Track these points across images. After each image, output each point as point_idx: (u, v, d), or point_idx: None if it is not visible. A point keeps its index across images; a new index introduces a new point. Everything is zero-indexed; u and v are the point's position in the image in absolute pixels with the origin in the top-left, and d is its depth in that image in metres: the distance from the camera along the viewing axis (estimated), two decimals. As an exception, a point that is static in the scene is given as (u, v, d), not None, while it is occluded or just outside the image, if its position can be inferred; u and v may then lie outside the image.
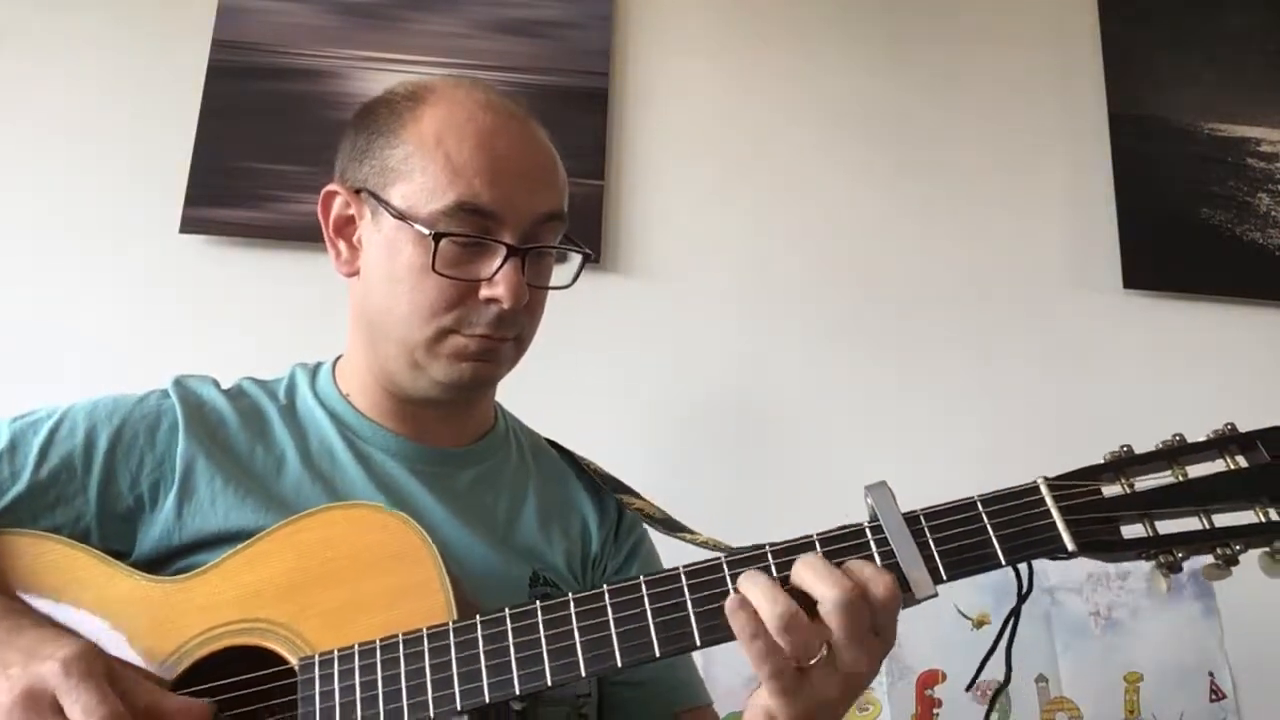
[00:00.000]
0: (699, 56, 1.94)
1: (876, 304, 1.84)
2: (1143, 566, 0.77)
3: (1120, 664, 1.63)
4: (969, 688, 0.94)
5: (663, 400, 1.74)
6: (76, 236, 1.70)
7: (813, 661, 0.67)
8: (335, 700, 0.72)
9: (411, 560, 0.77)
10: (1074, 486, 0.72)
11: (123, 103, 1.77)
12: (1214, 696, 1.64)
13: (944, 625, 1.56)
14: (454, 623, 0.73)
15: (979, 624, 1.61)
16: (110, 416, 0.88)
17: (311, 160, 1.72)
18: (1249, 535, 0.70)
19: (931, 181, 1.92)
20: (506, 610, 0.73)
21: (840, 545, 0.72)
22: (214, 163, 1.73)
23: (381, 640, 0.73)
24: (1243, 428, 0.74)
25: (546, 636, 0.71)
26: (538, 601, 0.73)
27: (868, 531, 0.72)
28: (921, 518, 0.72)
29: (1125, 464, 0.73)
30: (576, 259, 0.95)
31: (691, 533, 0.97)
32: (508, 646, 0.71)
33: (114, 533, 0.85)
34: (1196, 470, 0.72)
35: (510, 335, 0.91)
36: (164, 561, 0.84)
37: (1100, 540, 0.70)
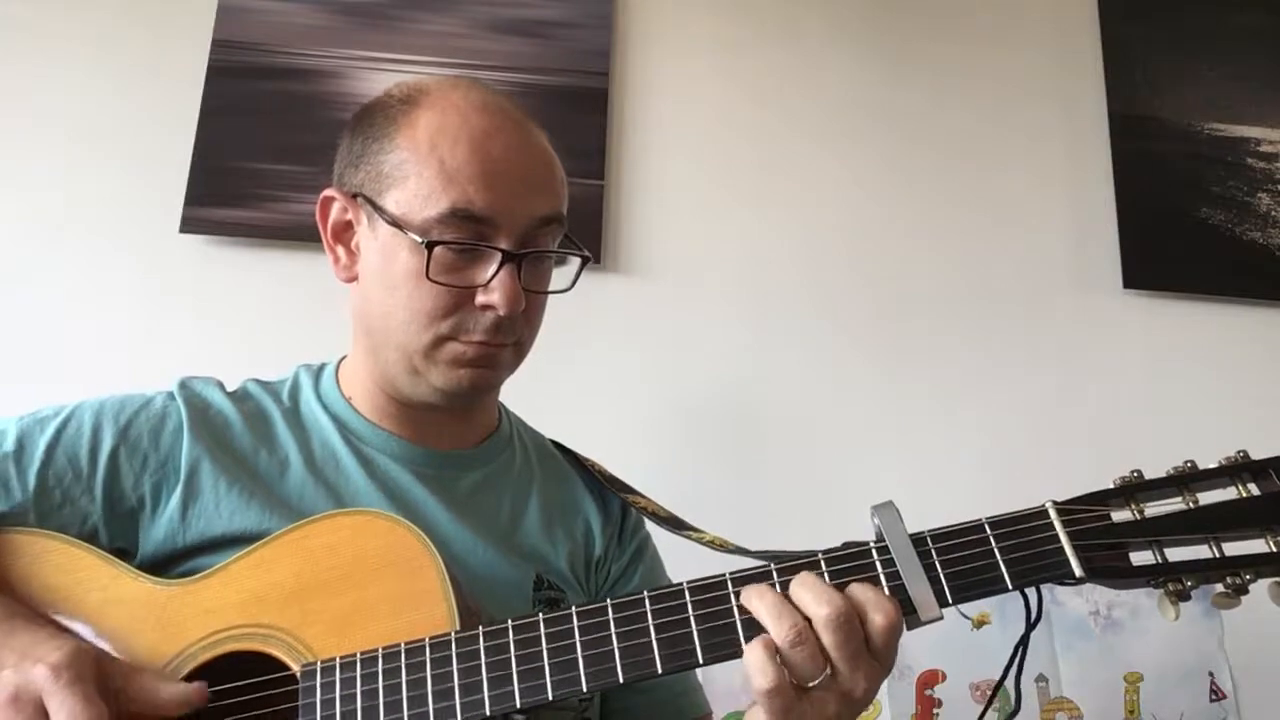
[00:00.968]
0: (699, 56, 1.94)
1: (876, 303, 1.84)
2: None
3: (1120, 664, 1.64)
4: None
5: (663, 400, 1.74)
6: (76, 236, 1.70)
7: (814, 683, 0.67)
8: (336, 708, 0.71)
9: (415, 568, 0.76)
10: (1083, 511, 0.72)
11: (123, 103, 1.77)
12: (1214, 696, 1.64)
13: (944, 625, 1.55)
14: (456, 633, 0.73)
15: (979, 624, 1.62)
16: (117, 416, 0.88)
17: (311, 160, 1.72)
18: (1259, 564, 0.69)
19: (931, 180, 1.92)
20: (509, 622, 0.72)
21: (846, 565, 0.72)
22: (214, 163, 1.72)
23: (384, 649, 0.73)
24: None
25: (549, 650, 0.71)
26: (540, 614, 0.73)
27: (874, 552, 0.72)
28: (928, 539, 0.72)
29: (1135, 489, 0.72)
30: (576, 261, 0.94)
31: (698, 531, 0.97)
32: (509, 659, 0.71)
33: (120, 532, 0.85)
34: (1207, 497, 0.72)
35: (508, 341, 0.90)
36: (168, 563, 0.84)
37: (1109, 566, 0.70)
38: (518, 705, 0.70)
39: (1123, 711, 1.62)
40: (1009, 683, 0.77)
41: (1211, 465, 0.73)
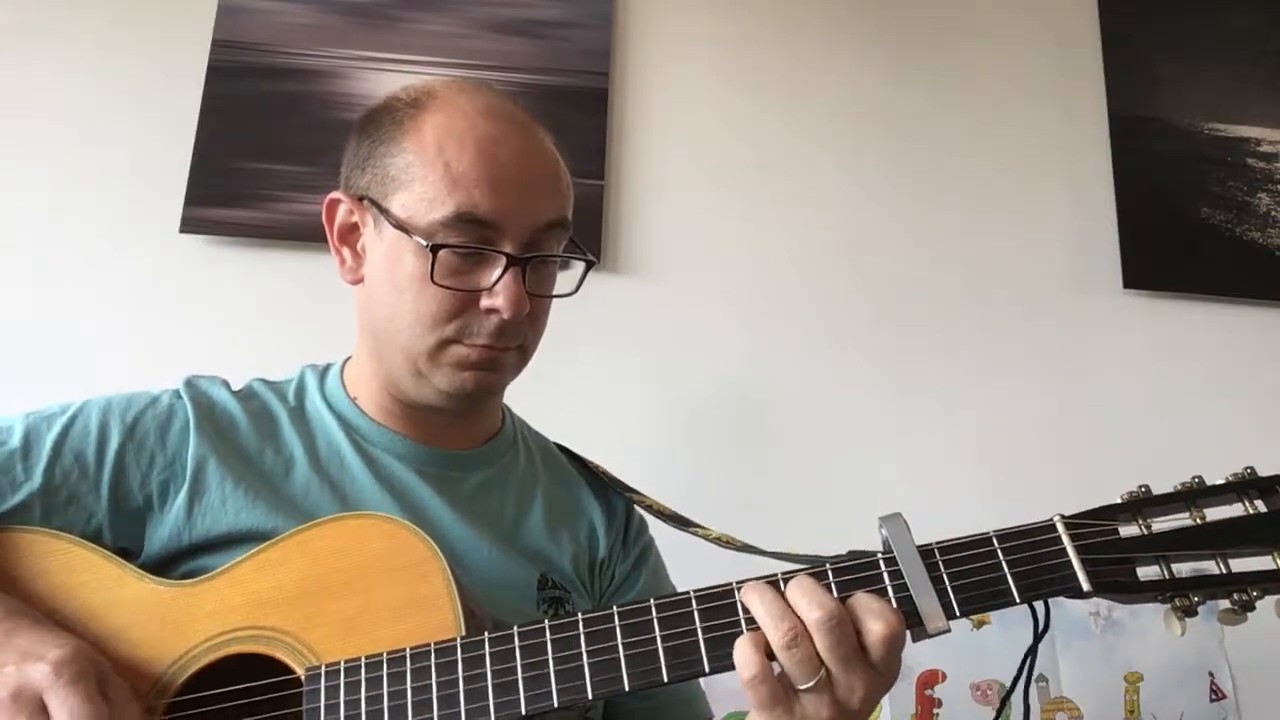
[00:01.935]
0: (699, 56, 1.94)
1: (876, 303, 1.84)
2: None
3: (1120, 664, 1.64)
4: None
5: (662, 400, 1.74)
6: (77, 236, 1.70)
7: (807, 686, 0.67)
8: (340, 712, 0.71)
9: (421, 573, 0.76)
10: (1091, 526, 0.72)
11: (123, 103, 1.77)
12: (1214, 696, 1.64)
13: (944, 625, 1.57)
14: (461, 639, 0.73)
15: (979, 624, 1.62)
16: (123, 414, 0.88)
17: (311, 160, 1.72)
18: (1266, 581, 0.69)
19: (931, 181, 1.92)
20: (515, 629, 0.72)
21: (853, 575, 0.72)
22: (214, 163, 1.72)
23: (388, 653, 0.73)
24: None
25: (554, 658, 0.71)
26: (546, 621, 0.72)
27: (881, 563, 0.72)
28: (936, 551, 0.72)
29: (1142, 505, 0.73)
30: (580, 265, 0.95)
31: (703, 528, 0.97)
32: (515, 666, 0.71)
33: (125, 532, 0.85)
34: (1214, 513, 0.72)
35: (512, 345, 0.90)
36: (173, 562, 0.84)
37: (1116, 581, 0.70)
38: (523, 712, 0.69)
39: (1123, 711, 1.63)
40: (1016, 694, 0.77)
41: (1218, 481, 0.73)
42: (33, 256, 1.68)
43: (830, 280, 1.84)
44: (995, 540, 0.72)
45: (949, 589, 0.70)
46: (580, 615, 0.73)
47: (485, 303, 0.86)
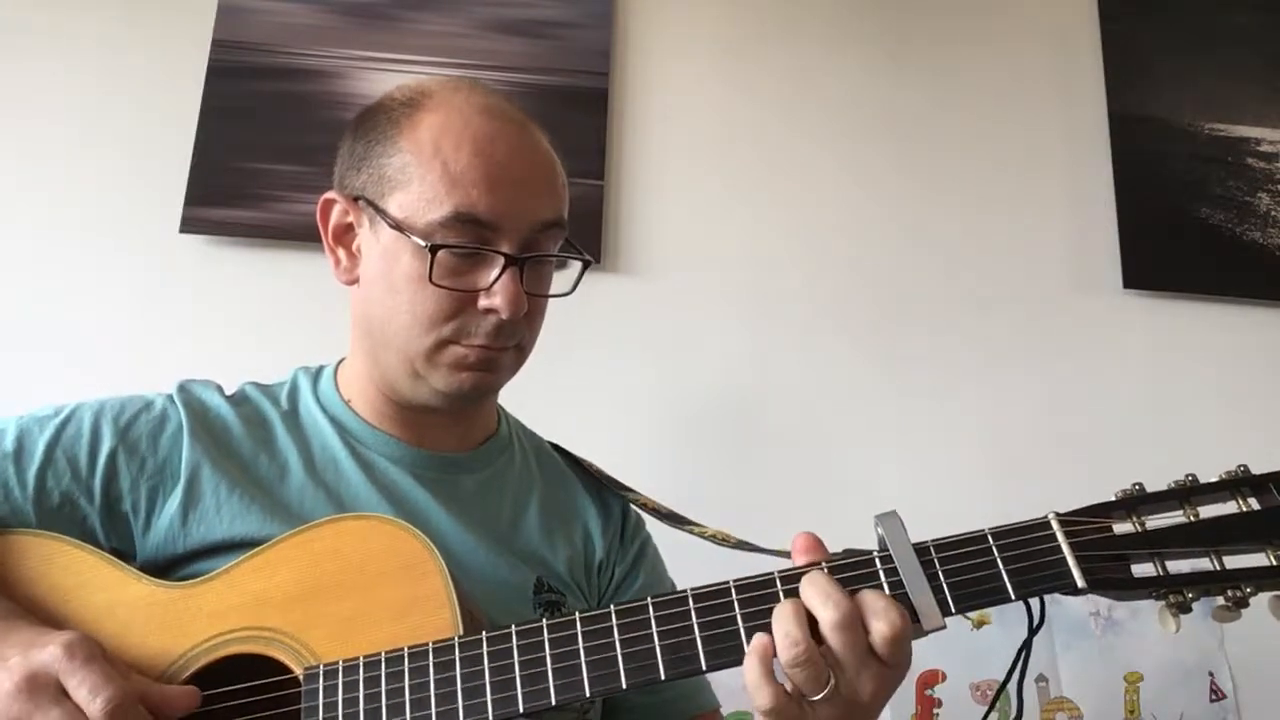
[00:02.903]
0: (699, 56, 1.94)
1: (876, 303, 1.84)
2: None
3: (1120, 664, 1.64)
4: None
5: (662, 400, 1.74)
6: (77, 236, 1.70)
7: (817, 698, 0.67)
8: (339, 712, 0.71)
9: (419, 573, 0.77)
10: (1085, 523, 0.72)
11: (123, 103, 1.77)
12: (1214, 696, 1.64)
13: (944, 626, 1.57)
14: (460, 638, 0.73)
15: (979, 624, 1.62)
16: (116, 418, 0.88)
17: (311, 160, 1.72)
18: (1260, 578, 0.70)
19: (931, 181, 1.92)
20: (513, 628, 0.72)
21: (849, 574, 0.72)
22: (214, 163, 1.72)
23: (387, 653, 0.73)
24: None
25: (552, 656, 0.71)
26: (544, 620, 0.72)
27: (877, 561, 0.72)
28: (931, 549, 0.72)
29: (1137, 502, 0.73)
30: (577, 265, 0.94)
31: (699, 526, 0.97)
32: (513, 664, 0.71)
33: (117, 534, 0.85)
34: (1208, 511, 0.72)
35: (510, 345, 0.90)
36: (167, 567, 0.84)
37: (1110, 578, 0.70)
38: (520, 710, 0.70)
39: (1123, 711, 1.62)
40: (1010, 687, 0.78)
41: (1212, 479, 0.73)
42: (33, 256, 1.68)
43: (830, 280, 1.84)
44: (990, 537, 0.72)
45: (944, 586, 0.70)
46: (578, 614, 0.73)
47: (483, 303, 0.86)
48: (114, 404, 0.89)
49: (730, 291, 1.82)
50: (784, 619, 0.68)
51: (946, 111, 1.96)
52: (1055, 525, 0.72)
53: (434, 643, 0.73)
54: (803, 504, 1.68)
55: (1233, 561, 0.70)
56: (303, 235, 1.69)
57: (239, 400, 0.95)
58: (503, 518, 0.96)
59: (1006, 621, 1.60)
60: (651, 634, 0.71)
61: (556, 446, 1.10)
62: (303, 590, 0.77)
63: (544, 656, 0.71)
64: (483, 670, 0.71)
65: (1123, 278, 1.87)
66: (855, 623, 0.67)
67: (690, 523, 0.99)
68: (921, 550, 0.72)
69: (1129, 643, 1.65)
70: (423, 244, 0.84)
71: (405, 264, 0.86)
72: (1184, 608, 0.70)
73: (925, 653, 1.59)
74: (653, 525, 1.07)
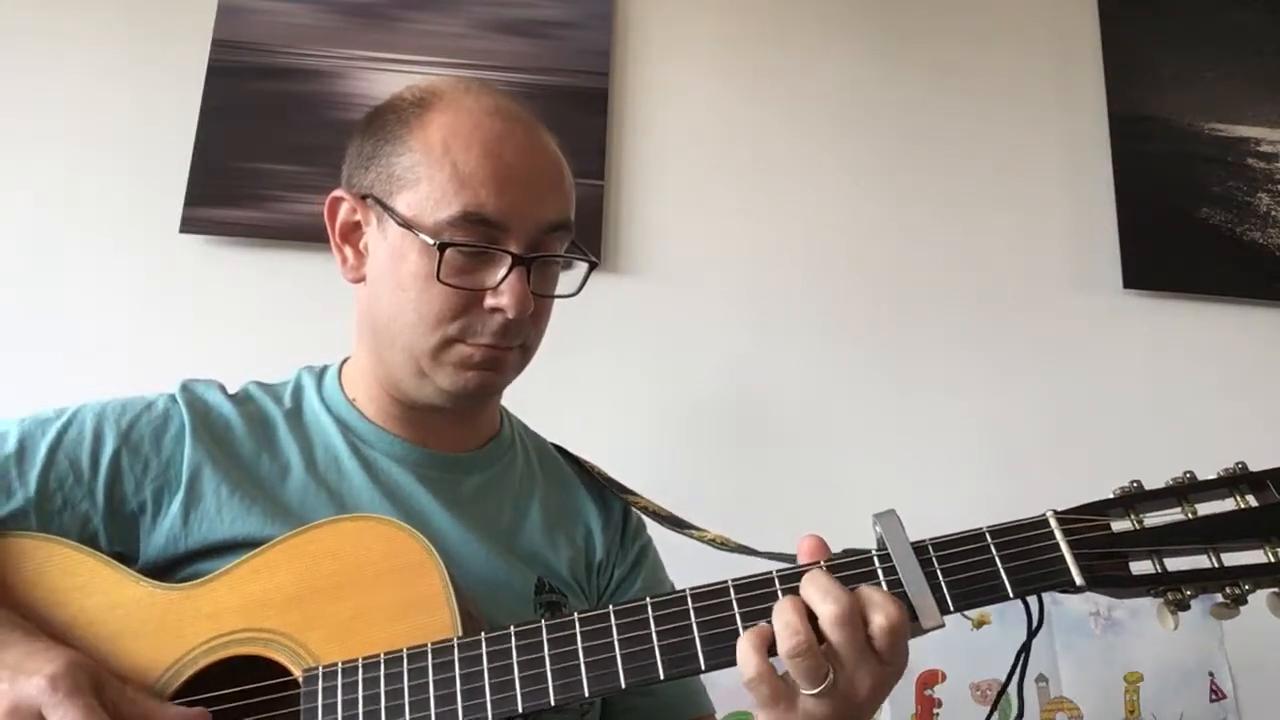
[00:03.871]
0: (699, 56, 1.94)
1: (876, 303, 1.84)
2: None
3: (1120, 664, 1.64)
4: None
5: (663, 400, 1.74)
6: (77, 236, 1.70)
7: (813, 691, 0.67)
8: (338, 713, 0.71)
9: (418, 574, 0.77)
10: (1083, 521, 0.72)
11: (123, 103, 1.77)
12: (1214, 696, 1.64)
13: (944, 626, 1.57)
14: (459, 639, 0.73)
15: (979, 624, 1.62)
16: (118, 419, 0.88)
17: (311, 160, 1.72)
18: (1258, 575, 0.70)
19: (932, 181, 1.92)
20: (512, 628, 0.73)
21: (848, 572, 0.72)
22: (214, 163, 1.72)
23: (386, 654, 0.73)
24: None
25: (550, 656, 0.71)
26: (543, 620, 0.73)
27: (875, 559, 0.72)
28: (930, 547, 0.72)
29: (1135, 500, 0.73)
30: (582, 267, 0.95)
31: (700, 530, 0.97)
32: (511, 665, 0.71)
33: (120, 537, 0.85)
34: (1206, 508, 0.72)
35: (515, 344, 0.90)
36: (169, 568, 0.84)
37: (1109, 575, 0.70)
38: (520, 710, 0.70)
39: (1123, 711, 1.62)
40: (1011, 688, 0.78)
41: (1210, 476, 0.73)
42: (33, 256, 1.68)
43: (830, 280, 1.85)
44: (989, 536, 0.72)
45: (943, 585, 0.71)
46: (576, 614, 0.73)
47: (490, 302, 0.86)
48: (115, 406, 0.89)
49: (730, 291, 1.82)
50: (785, 611, 0.68)
51: (947, 111, 1.96)
52: (1054, 523, 0.72)
53: (433, 644, 0.73)
54: (802, 504, 1.68)
55: (1231, 559, 0.70)
56: (302, 235, 1.69)
57: (242, 399, 0.95)
58: (504, 518, 0.96)
59: (1006, 621, 1.60)
60: (650, 634, 0.71)
61: (558, 448, 1.11)
62: (302, 592, 0.78)
63: (543, 657, 0.71)
64: (482, 671, 0.71)
65: (1123, 278, 1.87)
66: (855, 617, 0.67)
67: (691, 526, 0.99)
68: (920, 549, 0.72)
69: (1129, 643, 1.65)
70: (431, 242, 0.84)
71: (413, 262, 0.86)
72: (1182, 605, 0.70)
73: (925, 653, 1.59)
74: (653, 529, 1.08)
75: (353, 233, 0.93)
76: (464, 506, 0.94)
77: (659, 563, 1.09)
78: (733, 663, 0.70)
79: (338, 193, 0.93)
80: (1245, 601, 0.70)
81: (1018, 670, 0.77)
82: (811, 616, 0.68)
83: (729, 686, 1.38)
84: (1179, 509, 0.72)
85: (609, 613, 0.72)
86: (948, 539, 0.73)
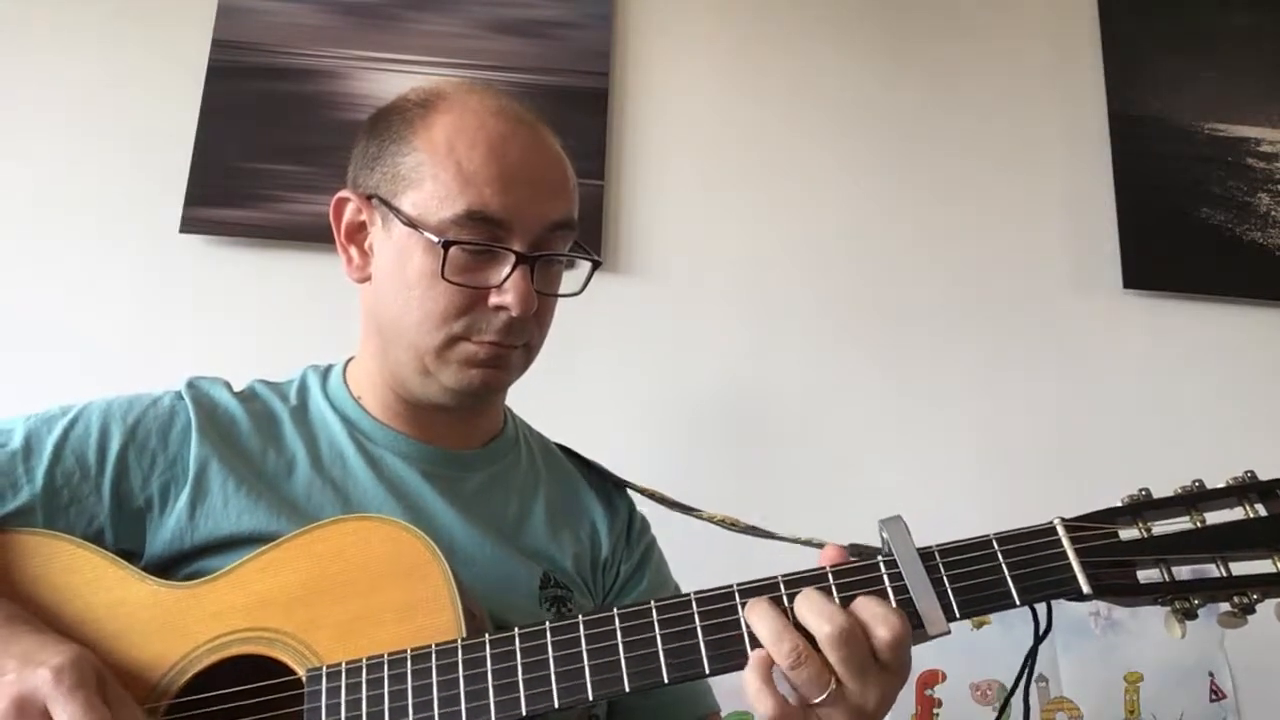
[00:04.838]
0: (699, 56, 1.94)
1: (877, 303, 1.84)
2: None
3: (1120, 664, 1.64)
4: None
5: (663, 400, 1.74)
6: (76, 236, 1.70)
7: (819, 700, 0.67)
8: (341, 713, 0.71)
9: (422, 575, 0.77)
10: (1091, 528, 0.72)
11: (123, 103, 1.77)
12: (1214, 696, 1.64)
13: (944, 625, 1.57)
14: (462, 640, 0.73)
15: (979, 625, 1.62)
16: (125, 416, 0.88)
17: (311, 160, 1.72)
18: (1266, 584, 0.69)
19: (931, 181, 1.92)
20: (516, 630, 0.73)
21: (853, 579, 0.72)
22: (214, 163, 1.72)
23: (389, 655, 0.73)
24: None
25: (555, 658, 0.71)
26: (547, 622, 0.73)
27: (881, 565, 0.72)
28: (936, 554, 0.72)
29: (1143, 508, 0.73)
30: (586, 266, 0.96)
31: (706, 512, 0.99)
32: (515, 667, 0.71)
33: (127, 533, 0.85)
34: (1214, 517, 0.72)
35: (519, 343, 0.91)
36: (175, 564, 0.84)
37: (1116, 584, 0.70)
38: (523, 713, 0.70)
39: (1123, 711, 1.63)
40: (1017, 696, 0.78)
41: (1219, 485, 0.73)
42: (33, 256, 1.68)
43: (830, 280, 1.85)
44: (995, 542, 0.72)
45: (949, 591, 0.70)
46: (581, 616, 0.73)
47: (494, 300, 0.87)
48: (121, 402, 0.90)
49: (730, 291, 1.82)
50: (773, 623, 0.68)
51: (947, 111, 1.96)
52: (1061, 531, 0.72)
53: (437, 644, 0.73)
54: (803, 503, 1.68)
55: (1239, 568, 0.70)
56: (303, 235, 1.69)
57: (247, 397, 0.96)
58: (509, 514, 0.97)
59: (1007, 622, 1.60)
60: (655, 637, 0.71)
61: (562, 447, 1.11)
62: (306, 591, 0.78)
63: (547, 659, 0.71)
64: (485, 672, 0.71)
65: (1123, 278, 1.87)
66: (853, 635, 0.67)
67: (697, 510, 1.00)
68: (926, 555, 0.72)
69: (1129, 643, 1.65)
70: (435, 240, 0.85)
71: (417, 260, 0.87)
72: (1189, 614, 0.70)
73: (925, 653, 1.58)
74: (660, 519, 1.08)
75: (358, 233, 0.94)
76: (469, 503, 0.94)
77: (664, 563, 1.09)
78: (737, 667, 0.70)
79: (343, 193, 0.94)
80: (1253, 610, 0.70)
81: (1025, 676, 0.77)
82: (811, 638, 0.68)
83: (730, 686, 1.38)
84: (1187, 517, 0.72)
85: (613, 615, 0.72)
86: (954, 546, 0.72)
